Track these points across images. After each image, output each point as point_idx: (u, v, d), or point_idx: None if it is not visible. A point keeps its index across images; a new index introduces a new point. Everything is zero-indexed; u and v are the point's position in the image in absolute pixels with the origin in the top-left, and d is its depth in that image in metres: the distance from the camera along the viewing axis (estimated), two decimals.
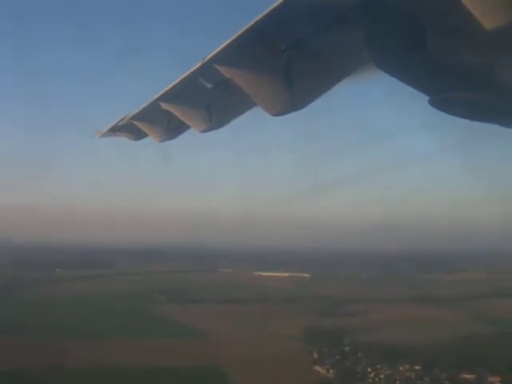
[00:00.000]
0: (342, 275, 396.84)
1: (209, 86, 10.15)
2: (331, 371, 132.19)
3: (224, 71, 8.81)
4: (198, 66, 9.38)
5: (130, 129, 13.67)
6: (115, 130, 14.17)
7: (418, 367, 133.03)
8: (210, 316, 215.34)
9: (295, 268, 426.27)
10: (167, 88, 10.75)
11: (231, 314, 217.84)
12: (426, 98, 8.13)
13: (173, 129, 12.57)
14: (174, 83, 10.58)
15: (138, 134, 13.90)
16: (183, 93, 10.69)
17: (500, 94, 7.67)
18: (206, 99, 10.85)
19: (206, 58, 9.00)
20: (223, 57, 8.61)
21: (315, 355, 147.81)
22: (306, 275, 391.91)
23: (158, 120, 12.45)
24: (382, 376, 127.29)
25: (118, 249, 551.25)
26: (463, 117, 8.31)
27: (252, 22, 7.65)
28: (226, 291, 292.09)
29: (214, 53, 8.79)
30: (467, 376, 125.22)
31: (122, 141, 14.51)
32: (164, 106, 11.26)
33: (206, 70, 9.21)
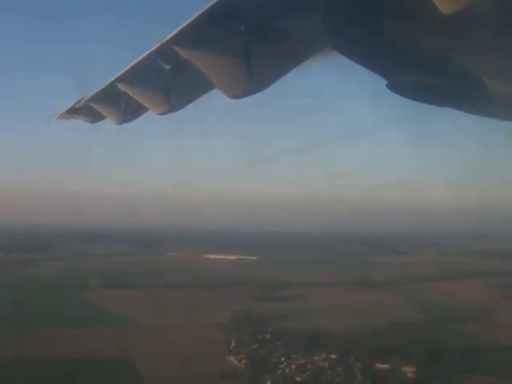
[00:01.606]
0: (290, 257, 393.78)
1: (167, 67, 9.66)
2: (243, 361, 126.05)
3: (183, 53, 8.61)
4: (156, 47, 9.07)
5: (87, 111, 13.10)
6: (72, 112, 13.56)
7: (334, 356, 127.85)
8: (141, 302, 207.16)
9: (244, 250, 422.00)
10: (125, 69, 10.33)
11: (163, 300, 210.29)
12: (384, 81, 7.99)
13: (130, 111, 12.08)
14: (132, 64, 10.06)
15: (96, 117, 13.32)
16: (141, 74, 10.27)
17: (457, 79, 7.69)
18: (164, 81, 10.42)
19: (165, 39, 8.69)
20: (182, 38, 8.41)
21: (233, 344, 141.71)
22: (253, 258, 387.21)
23: (116, 102, 11.87)
24: (293, 366, 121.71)
25: (59, 231, 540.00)
26: (420, 100, 8.22)
27: (212, 3, 7.45)
28: (166, 275, 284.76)
29: (172, 34, 8.57)
30: (381, 366, 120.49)
31: (79, 123, 14.15)
32: (121, 87, 10.77)
33: (165, 51, 8.92)
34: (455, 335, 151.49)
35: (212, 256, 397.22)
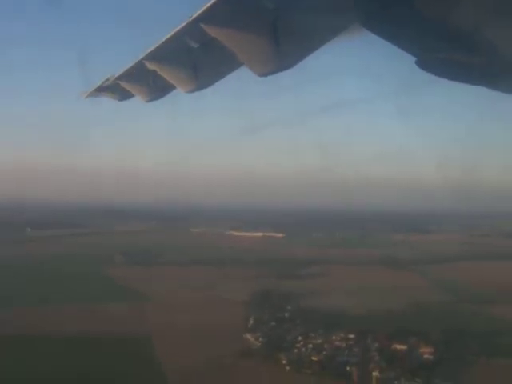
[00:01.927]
0: (315, 236, 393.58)
1: (195, 45, 9.80)
2: (260, 339, 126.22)
3: (210, 30, 8.61)
4: (184, 25, 9.09)
5: (116, 89, 13.23)
6: (100, 90, 13.60)
7: (351, 336, 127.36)
8: (164, 279, 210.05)
9: (271, 228, 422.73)
10: (153, 48, 10.44)
11: (185, 277, 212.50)
12: (413, 58, 7.93)
13: (159, 89, 12.11)
14: (160, 43, 10.18)
15: (124, 95, 13.47)
16: (169, 52, 10.41)
17: (488, 56, 7.53)
18: (192, 59, 10.52)
19: (192, 17, 8.68)
20: (210, 16, 8.37)
21: (251, 322, 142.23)
22: (279, 235, 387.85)
23: (144, 80, 11.99)
24: (310, 346, 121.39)
25: (86, 209, 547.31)
26: (450, 78, 8.08)
27: None
28: (189, 252, 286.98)
29: (200, 12, 8.48)
30: (398, 347, 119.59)
31: (108, 101, 14.23)
32: (150, 65, 10.88)
33: (192, 29, 8.92)
34: (476, 317, 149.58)
35: (237, 233, 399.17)
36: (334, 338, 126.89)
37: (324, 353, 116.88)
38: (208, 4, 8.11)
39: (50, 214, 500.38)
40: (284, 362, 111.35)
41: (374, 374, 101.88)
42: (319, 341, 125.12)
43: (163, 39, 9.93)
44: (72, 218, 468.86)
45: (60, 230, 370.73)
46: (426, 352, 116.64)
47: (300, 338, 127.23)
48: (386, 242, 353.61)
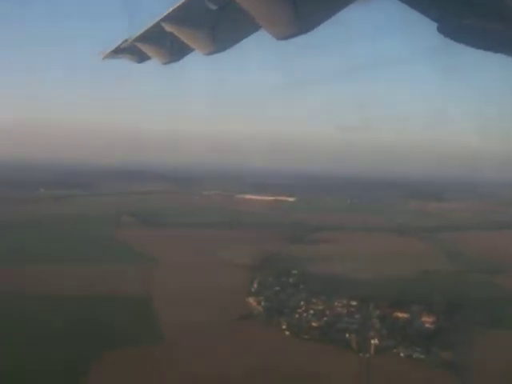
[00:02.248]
0: (328, 201, 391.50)
1: (213, 7, 9.73)
2: (262, 303, 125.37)
3: None
4: None
5: (133, 51, 13.28)
6: (118, 52, 13.73)
7: (354, 303, 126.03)
8: (172, 241, 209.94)
9: (282, 191, 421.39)
10: (171, 9, 10.59)
11: (194, 239, 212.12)
12: (435, 24, 7.98)
13: (176, 51, 12.40)
14: (178, 4, 10.31)
15: (142, 57, 13.63)
16: (187, 14, 10.51)
17: (509, 24, 7.50)
18: (210, 21, 10.63)
19: None
20: None
21: (255, 285, 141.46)
22: (291, 199, 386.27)
23: (162, 42, 12.18)
24: (311, 311, 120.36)
25: (99, 169, 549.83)
26: (471, 45, 8.10)
27: None
28: (200, 215, 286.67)
29: None
30: (400, 314, 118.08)
31: (125, 63, 14.49)
32: (167, 27, 10.99)
33: None
34: (483, 287, 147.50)
35: (249, 196, 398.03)
36: (335, 304, 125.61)
37: (325, 319, 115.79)
38: None
39: (63, 174, 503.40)
40: (284, 327, 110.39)
41: (373, 341, 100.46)
42: (321, 307, 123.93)
43: (181, 1, 9.94)
44: (84, 179, 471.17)
45: (72, 191, 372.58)
46: (428, 321, 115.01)
47: (302, 304, 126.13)
48: (399, 209, 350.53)
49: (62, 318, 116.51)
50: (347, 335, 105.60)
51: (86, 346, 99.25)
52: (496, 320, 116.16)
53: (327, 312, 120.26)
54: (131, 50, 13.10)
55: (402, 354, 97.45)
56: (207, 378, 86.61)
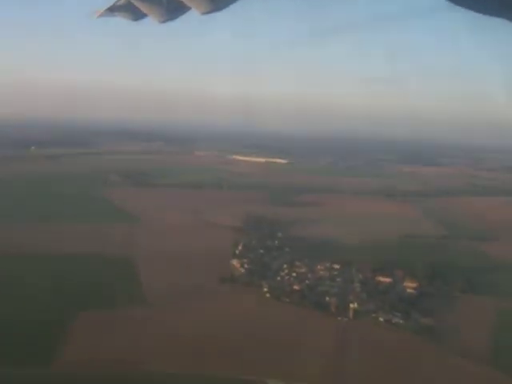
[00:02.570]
0: (319, 163, 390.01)
1: None
2: (245, 266, 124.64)
3: None
4: None
5: (129, 9, 13.49)
6: (114, 10, 14.06)
7: (337, 266, 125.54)
8: (158, 201, 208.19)
9: (275, 153, 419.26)
10: None
11: (182, 200, 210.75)
12: None
13: (173, 9, 12.60)
14: None
15: (137, 14, 13.82)
16: None
17: None
18: None
19: None
20: None
21: (239, 248, 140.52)
22: (282, 161, 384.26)
23: (158, 0, 12.47)
24: (293, 274, 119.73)
25: (94, 128, 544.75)
26: (479, 11, 8.25)
27: None
28: (190, 175, 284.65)
29: None
30: (382, 279, 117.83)
31: (121, 21, 14.85)
32: None
33: None
34: (468, 254, 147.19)
35: (241, 157, 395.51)
36: (318, 267, 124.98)
37: (306, 282, 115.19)
38: None
39: (56, 132, 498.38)
40: (265, 289, 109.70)
41: (353, 305, 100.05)
42: (303, 270, 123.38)
43: None
44: (78, 138, 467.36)
45: (63, 149, 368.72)
46: (410, 286, 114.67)
47: (285, 267, 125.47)
48: (391, 173, 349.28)
49: (46, 276, 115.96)
50: (327, 299, 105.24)
51: (69, 304, 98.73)
52: (478, 286, 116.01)
53: (309, 275, 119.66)
54: (127, 8, 13.06)
55: (381, 319, 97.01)
56: (186, 338, 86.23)
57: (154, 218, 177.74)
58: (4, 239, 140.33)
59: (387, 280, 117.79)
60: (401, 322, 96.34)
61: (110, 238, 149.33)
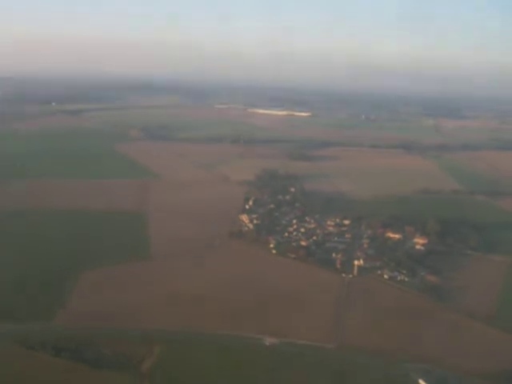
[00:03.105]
0: (342, 116, 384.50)
1: None
2: (254, 221, 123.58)
3: None
4: None
5: None
6: None
7: (347, 222, 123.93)
8: (175, 155, 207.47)
9: (297, 106, 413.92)
10: None
11: (196, 154, 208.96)
12: None
13: None
14: None
15: None
16: None
17: None
18: None
19: None
20: None
21: (250, 202, 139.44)
22: (304, 114, 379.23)
23: None
24: (302, 230, 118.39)
25: (118, 82, 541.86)
26: None
27: None
28: (209, 128, 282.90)
29: None
30: (392, 235, 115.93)
31: None
32: None
33: None
34: (484, 210, 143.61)
35: (262, 111, 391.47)
36: (328, 223, 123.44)
37: (314, 238, 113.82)
38: None
39: (77, 88, 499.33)
40: (272, 245, 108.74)
41: (357, 262, 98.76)
42: (312, 225, 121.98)
43: None
44: (99, 92, 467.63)
45: (84, 104, 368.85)
46: (420, 243, 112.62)
47: (294, 222, 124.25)
48: (415, 126, 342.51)
49: (55, 228, 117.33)
50: (334, 255, 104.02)
51: (75, 259, 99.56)
52: (491, 244, 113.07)
53: (318, 231, 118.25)
54: None
55: (385, 276, 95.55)
56: (183, 295, 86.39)
57: (168, 172, 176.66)
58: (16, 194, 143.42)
59: (396, 236, 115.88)
60: (406, 279, 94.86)
61: (122, 192, 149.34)
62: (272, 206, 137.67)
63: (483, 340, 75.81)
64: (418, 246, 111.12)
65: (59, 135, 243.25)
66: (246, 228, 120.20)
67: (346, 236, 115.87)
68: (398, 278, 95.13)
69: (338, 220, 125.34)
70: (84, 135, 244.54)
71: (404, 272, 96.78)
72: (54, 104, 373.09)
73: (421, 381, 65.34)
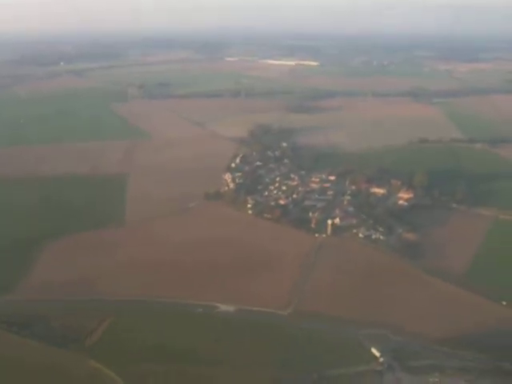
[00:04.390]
0: (353, 63, 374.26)
1: None
2: (237, 180, 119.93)
3: None
4: None
5: None
6: None
7: (332, 177, 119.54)
8: (168, 114, 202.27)
9: (308, 55, 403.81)
10: None
11: (192, 110, 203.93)
12: None
13: None
14: None
15: None
16: None
17: None
18: None
19: None
20: None
21: (237, 160, 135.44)
22: (313, 63, 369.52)
23: None
24: (283, 188, 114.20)
25: (127, 39, 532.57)
26: None
27: None
28: (212, 83, 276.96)
29: None
30: (376, 190, 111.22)
31: None
32: None
33: None
34: (480, 160, 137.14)
35: (271, 61, 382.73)
36: (312, 179, 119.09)
37: (294, 196, 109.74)
38: None
39: (86, 46, 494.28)
40: (249, 205, 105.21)
41: (332, 221, 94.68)
42: (295, 183, 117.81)
43: None
44: (108, 50, 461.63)
45: (92, 63, 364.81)
46: (404, 198, 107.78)
47: (277, 180, 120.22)
48: (427, 71, 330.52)
49: (31, 197, 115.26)
50: (310, 214, 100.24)
51: (44, 227, 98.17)
52: (479, 197, 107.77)
53: (300, 188, 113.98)
54: None
55: (360, 235, 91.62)
56: (148, 258, 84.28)
57: (159, 131, 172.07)
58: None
59: (381, 191, 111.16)
60: (381, 237, 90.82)
61: (108, 154, 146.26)
62: (259, 163, 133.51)
63: (449, 303, 71.80)
64: (401, 202, 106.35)
65: (58, 97, 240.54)
66: (226, 188, 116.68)
67: (328, 193, 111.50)
68: (373, 236, 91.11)
69: (323, 176, 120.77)
70: (83, 96, 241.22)
71: (381, 230, 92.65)
72: (62, 64, 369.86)
73: (373, 349, 62.09)
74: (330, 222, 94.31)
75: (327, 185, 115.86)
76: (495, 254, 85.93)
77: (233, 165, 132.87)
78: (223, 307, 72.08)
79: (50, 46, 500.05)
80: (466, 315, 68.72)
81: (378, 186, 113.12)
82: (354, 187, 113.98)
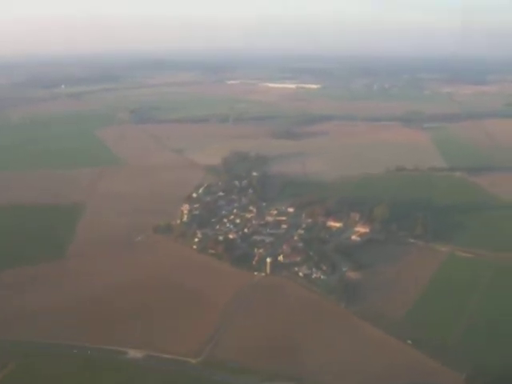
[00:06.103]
0: (354, 86, 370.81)
1: None
2: (194, 212, 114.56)
3: None
4: None
5: None
6: None
7: (291, 209, 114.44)
8: (151, 139, 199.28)
9: (309, 78, 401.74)
10: None
11: (173, 137, 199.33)
12: None
13: None
14: None
15: None
16: None
17: None
18: None
19: None
20: None
21: (200, 191, 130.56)
22: (315, 86, 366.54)
23: None
24: (237, 221, 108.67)
25: (129, 60, 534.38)
26: None
27: None
28: (204, 107, 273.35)
29: None
30: (333, 223, 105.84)
31: None
32: None
33: None
34: (455, 190, 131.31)
35: (272, 85, 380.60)
36: (270, 211, 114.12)
37: (245, 230, 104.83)
38: None
39: (87, 68, 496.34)
40: (196, 239, 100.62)
41: (268, 259, 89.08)
42: (252, 215, 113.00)
43: None
44: (108, 72, 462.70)
45: (92, 86, 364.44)
46: (360, 232, 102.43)
47: (235, 211, 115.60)
48: (427, 95, 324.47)
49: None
50: (255, 250, 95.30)
51: None
52: (439, 231, 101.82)
53: (254, 222, 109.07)
54: None
55: (300, 274, 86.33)
56: (72, 298, 79.91)
57: (135, 158, 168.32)
58: None
59: (337, 225, 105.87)
60: (322, 277, 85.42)
61: (74, 183, 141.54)
62: (221, 193, 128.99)
63: (372, 352, 66.11)
64: (354, 237, 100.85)
65: (45, 122, 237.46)
66: (179, 220, 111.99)
67: (282, 226, 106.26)
68: (314, 275, 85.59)
69: (283, 208, 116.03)
70: (71, 120, 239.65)
71: (323, 268, 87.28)
72: (63, 87, 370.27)
73: None
74: (269, 260, 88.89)
75: (283, 218, 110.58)
76: (438, 296, 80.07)
77: (194, 195, 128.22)
78: (132, 353, 67.49)
79: (56, 67, 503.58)
80: (388, 367, 62.96)
81: (335, 220, 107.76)
82: (310, 220, 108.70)
